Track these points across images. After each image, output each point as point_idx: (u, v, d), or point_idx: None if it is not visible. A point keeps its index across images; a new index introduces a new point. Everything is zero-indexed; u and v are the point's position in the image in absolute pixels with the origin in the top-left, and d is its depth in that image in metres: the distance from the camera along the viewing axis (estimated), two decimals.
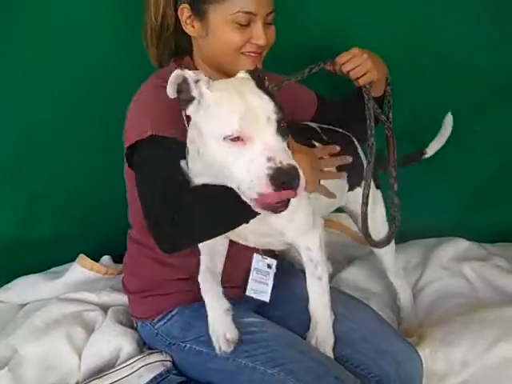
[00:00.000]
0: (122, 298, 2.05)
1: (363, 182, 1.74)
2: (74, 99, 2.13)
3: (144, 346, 1.86)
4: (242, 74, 1.46)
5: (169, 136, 1.53)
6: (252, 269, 1.76)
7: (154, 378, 1.72)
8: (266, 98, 1.35)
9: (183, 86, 1.39)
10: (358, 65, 1.72)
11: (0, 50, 2.01)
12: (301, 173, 1.28)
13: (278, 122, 1.32)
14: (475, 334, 1.83)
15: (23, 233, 2.32)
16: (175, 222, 1.43)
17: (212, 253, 1.69)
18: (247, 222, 1.47)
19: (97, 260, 2.30)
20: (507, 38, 2.18)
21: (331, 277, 2.18)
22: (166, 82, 1.40)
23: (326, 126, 1.93)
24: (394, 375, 1.62)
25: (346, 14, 2.11)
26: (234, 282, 1.75)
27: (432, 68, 2.22)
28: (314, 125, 1.92)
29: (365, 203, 1.74)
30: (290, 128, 1.53)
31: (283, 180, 1.25)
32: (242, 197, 1.33)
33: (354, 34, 2.09)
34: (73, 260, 2.29)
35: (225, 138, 1.31)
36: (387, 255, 2.03)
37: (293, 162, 1.28)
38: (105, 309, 2.05)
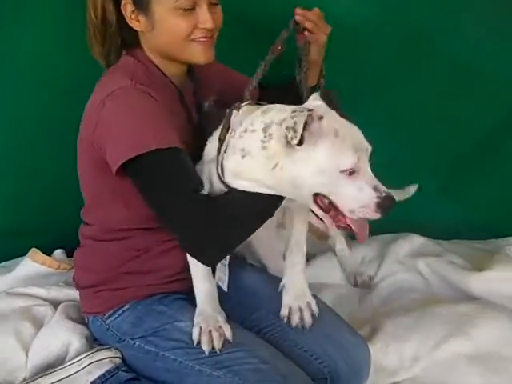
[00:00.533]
0: (73, 294, 2.01)
1: None
2: (29, 93, 2.09)
3: (94, 342, 1.83)
4: (317, 102, 1.52)
5: (174, 146, 1.51)
6: None
7: (103, 374, 1.70)
8: (357, 128, 1.46)
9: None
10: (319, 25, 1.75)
11: None
12: None
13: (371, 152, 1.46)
14: (427, 328, 1.84)
15: None
16: (217, 238, 1.51)
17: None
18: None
19: (49, 254, 2.27)
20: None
21: None
22: (137, 78, 1.52)
23: None
24: (342, 364, 1.63)
25: None
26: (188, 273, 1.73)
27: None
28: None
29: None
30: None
31: (391, 205, 1.43)
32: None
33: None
34: (24, 254, 2.25)
35: (342, 171, 1.40)
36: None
37: (387, 189, 1.43)
38: (55, 304, 2.01)
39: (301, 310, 1.67)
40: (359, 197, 1.42)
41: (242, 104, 1.56)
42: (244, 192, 1.50)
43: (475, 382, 1.72)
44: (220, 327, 1.58)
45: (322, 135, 1.40)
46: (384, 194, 1.41)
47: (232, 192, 1.52)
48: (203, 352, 1.57)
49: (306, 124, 1.38)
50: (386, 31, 2.13)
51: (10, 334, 1.85)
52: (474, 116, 2.31)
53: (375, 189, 1.42)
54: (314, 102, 1.53)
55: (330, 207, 1.46)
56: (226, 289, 1.72)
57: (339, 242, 2.32)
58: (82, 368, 1.72)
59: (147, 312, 1.69)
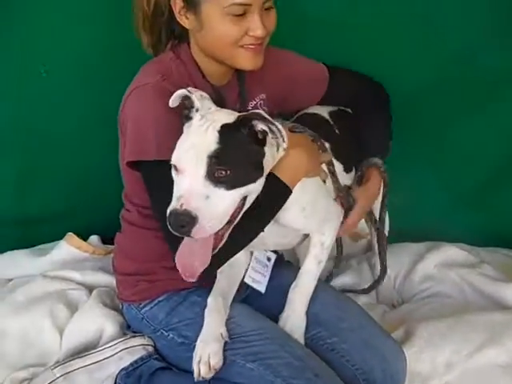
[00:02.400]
0: (108, 280, 2.04)
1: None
2: (65, 73, 2.10)
3: (127, 329, 1.84)
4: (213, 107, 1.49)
5: None
6: (252, 258, 1.76)
7: (135, 361, 1.71)
8: (213, 139, 1.37)
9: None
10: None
11: None
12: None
13: (209, 166, 1.34)
14: (462, 336, 1.82)
15: (11, 208, 2.30)
16: None
17: (231, 277, 1.70)
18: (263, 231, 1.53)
19: (85, 239, 2.29)
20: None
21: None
22: (170, 79, 1.52)
23: (335, 110, 1.92)
24: (379, 372, 1.60)
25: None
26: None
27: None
28: (324, 113, 1.89)
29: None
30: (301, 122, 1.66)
31: (176, 223, 1.32)
32: None
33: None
34: (61, 238, 2.27)
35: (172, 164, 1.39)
36: None
37: (191, 207, 1.31)
38: (89, 289, 2.03)
39: None
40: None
41: None
42: None
43: None
44: (209, 357, 1.53)
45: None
46: (174, 208, 1.32)
47: None
48: (236, 343, 1.57)
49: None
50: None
51: (44, 317, 1.88)
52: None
53: (178, 199, 1.33)
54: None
55: None
56: (263, 290, 1.71)
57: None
58: (115, 353, 1.74)
59: (182, 302, 1.70)
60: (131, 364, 1.71)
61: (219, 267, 1.58)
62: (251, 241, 1.54)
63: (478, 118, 2.24)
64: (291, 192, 1.53)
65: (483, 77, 2.15)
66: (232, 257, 1.56)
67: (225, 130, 1.38)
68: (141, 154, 1.53)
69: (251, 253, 1.76)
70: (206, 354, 1.53)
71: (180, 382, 1.64)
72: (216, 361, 1.53)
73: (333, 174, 1.68)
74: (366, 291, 2.05)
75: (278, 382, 1.51)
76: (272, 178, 1.49)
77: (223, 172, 1.34)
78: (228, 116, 1.43)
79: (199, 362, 1.53)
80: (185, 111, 1.45)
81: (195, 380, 1.53)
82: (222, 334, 1.56)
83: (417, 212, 2.35)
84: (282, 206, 1.54)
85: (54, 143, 2.21)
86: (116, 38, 1.97)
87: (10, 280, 2.16)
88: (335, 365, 1.61)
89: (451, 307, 2.04)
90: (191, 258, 1.39)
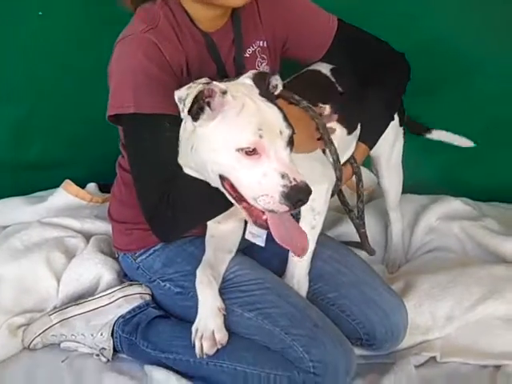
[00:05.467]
0: (105, 227, 2.02)
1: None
2: (65, 25, 2.07)
3: (124, 277, 1.83)
4: (247, 81, 1.41)
5: (157, 113, 1.44)
6: None
7: (133, 309, 1.71)
8: (276, 110, 1.33)
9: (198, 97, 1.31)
10: None
11: None
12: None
13: (290, 136, 1.32)
14: (462, 289, 1.81)
15: (9, 155, 2.28)
16: (169, 218, 1.47)
17: (217, 248, 1.66)
18: None
19: (83, 187, 2.26)
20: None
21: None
22: (156, 28, 1.44)
23: (338, 68, 1.82)
24: (379, 325, 1.60)
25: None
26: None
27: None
28: (326, 70, 1.81)
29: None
30: (303, 81, 1.65)
31: (300, 197, 1.27)
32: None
33: None
34: (58, 186, 2.25)
35: (238, 150, 1.29)
36: (392, 189, 2.10)
37: (304, 178, 1.28)
38: (87, 236, 2.02)
39: None
40: (262, 182, 1.28)
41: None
42: (191, 178, 1.45)
43: (509, 344, 1.70)
44: (213, 333, 1.51)
45: (223, 111, 1.31)
46: (293, 183, 1.26)
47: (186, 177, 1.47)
48: (234, 292, 1.56)
49: (204, 98, 1.30)
50: None
51: (41, 263, 1.87)
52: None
53: (283, 176, 1.27)
54: (243, 79, 1.42)
55: (241, 195, 1.34)
56: (262, 244, 1.67)
57: (398, 222, 2.18)
58: (113, 301, 1.73)
59: (178, 253, 1.68)
60: (129, 312, 1.71)
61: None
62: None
63: (478, 77, 2.23)
64: None
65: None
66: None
67: (265, 96, 1.36)
68: (119, 108, 1.48)
69: None
70: (209, 330, 1.51)
71: (177, 331, 1.64)
72: (221, 335, 1.50)
73: (331, 142, 1.62)
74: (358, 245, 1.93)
75: (277, 331, 1.51)
76: None
77: (292, 138, 1.33)
78: (247, 86, 1.39)
79: (201, 337, 1.50)
80: (200, 103, 1.33)
81: (197, 357, 1.51)
82: (219, 308, 1.53)
83: (419, 168, 2.31)
84: None
85: (54, 90, 2.17)
86: None
87: (6, 227, 2.13)
88: (335, 319, 1.60)
89: (453, 261, 2.03)
90: (294, 232, 1.38)
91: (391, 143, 1.97)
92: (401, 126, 1.99)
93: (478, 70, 2.22)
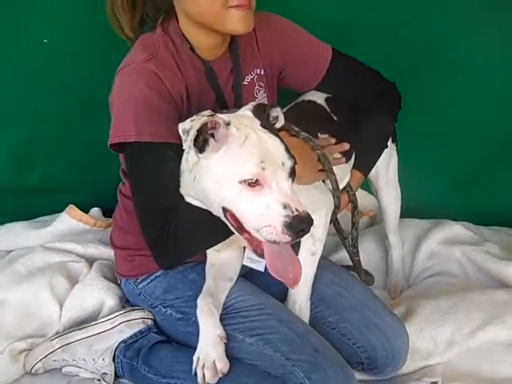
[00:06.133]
0: (109, 252, 2.02)
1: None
2: (64, 46, 2.09)
3: (126, 303, 1.84)
4: (247, 112, 1.44)
5: (159, 142, 1.46)
6: None
7: (135, 334, 1.72)
8: (278, 141, 1.36)
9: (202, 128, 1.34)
10: None
11: None
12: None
13: (291, 167, 1.34)
14: (463, 314, 1.81)
15: (11, 180, 2.29)
16: (170, 245, 1.48)
17: (218, 276, 1.66)
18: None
19: (86, 212, 2.28)
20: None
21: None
22: (157, 57, 1.47)
23: (332, 98, 1.83)
24: (381, 349, 1.60)
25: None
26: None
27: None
28: (320, 100, 1.82)
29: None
30: (299, 111, 1.67)
31: (302, 227, 1.29)
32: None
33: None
34: (62, 210, 2.26)
35: (241, 182, 1.31)
36: (391, 207, 2.10)
37: (305, 208, 1.29)
38: (90, 261, 2.03)
39: None
40: (264, 214, 1.30)
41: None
42: (193, 206, 1.46)
43: (510, 371, 1.69)
44: (214, 363, 1.50)
45: (226, 142, 1.33)
46: (295, 213, 1.28)
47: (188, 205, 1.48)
48: (236, 318, 1.56)
49: (208, 130, 1.32)
50: None
51: (44, 288, 1.88)
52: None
53: (285, 206, 1.29)
54: (243, 111, 1.44)
55: (242, 225, 1.35)
56: (262, 269, 1.68)
57: (398, 247, 2.18)
58: (115, 326, 1.73)
59: (179, 279, 1.69)
60: (130, 337, 1.71)
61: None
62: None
63: (479, 97, 2.23)
64: None
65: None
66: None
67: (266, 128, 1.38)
68: (121, 137, 1.50)
69: None
70: (210, 359, 1.50)
71: (179, 356, 1.64)
72: (223, 364, 1.50)
73: (332, 172, 1.64)
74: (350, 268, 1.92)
75: (277, 356, 1.51)
76: None
77: (294, 168, 1.35)
78: (248, 117, 1.41)
79: (203, 366, 1.50)
80: (204, 135, 1.35)
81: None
82: (220, 336, 1.53)
83: (420, 191, 2.33)
84: None
85: (55, 114, 2.19)
86: None
87: (10, 251, 2.15)
88: (336, 343, 1.60)
89: (454, 285, 2.03)
90: (289, 263, 1.38)
91: (387, 160, 1.99)
92: (393, 142, 2.00)
93: (481, 93, 2.23)
